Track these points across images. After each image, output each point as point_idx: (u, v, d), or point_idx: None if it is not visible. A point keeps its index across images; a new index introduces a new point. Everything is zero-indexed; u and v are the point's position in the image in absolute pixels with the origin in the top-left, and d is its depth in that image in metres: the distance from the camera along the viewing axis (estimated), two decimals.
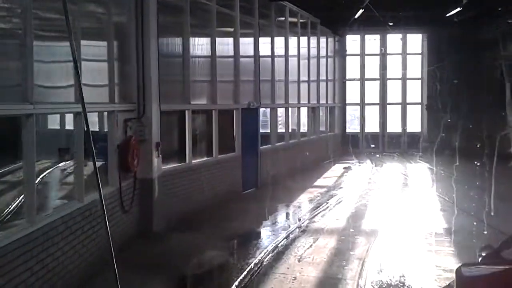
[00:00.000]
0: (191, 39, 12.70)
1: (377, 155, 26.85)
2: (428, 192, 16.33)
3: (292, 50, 20.63)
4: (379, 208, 13.81)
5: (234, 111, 15.53)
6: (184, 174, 12.40)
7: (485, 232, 10.22)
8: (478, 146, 23.71)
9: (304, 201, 14.70)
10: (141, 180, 10.52)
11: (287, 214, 13.40)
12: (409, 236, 10.81)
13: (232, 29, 15.38)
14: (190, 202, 12.46)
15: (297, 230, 11.22)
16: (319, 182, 18.35)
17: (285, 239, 10.36)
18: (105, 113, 9.34)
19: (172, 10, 12.27)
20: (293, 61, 20.71)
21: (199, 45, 13.68)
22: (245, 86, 16.32)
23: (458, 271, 4.55)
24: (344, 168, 21.85)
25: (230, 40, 15.40)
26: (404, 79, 28.28)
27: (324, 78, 24.94)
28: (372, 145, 28.20)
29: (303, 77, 21.79)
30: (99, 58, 9.32)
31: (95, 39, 9.31)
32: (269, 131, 18.61)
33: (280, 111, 19.85)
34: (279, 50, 19.37)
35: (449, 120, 27.03)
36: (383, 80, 28.33)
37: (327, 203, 14.28)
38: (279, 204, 14.14)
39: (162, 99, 11.22)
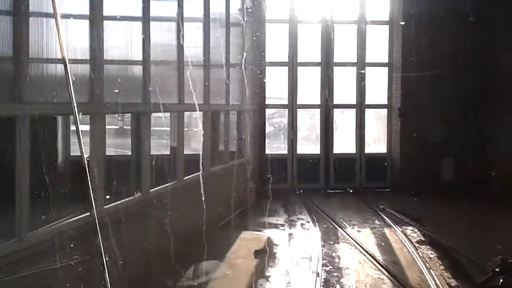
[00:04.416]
0: None
1: (319, 198, 15.27)
2: None
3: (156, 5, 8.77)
4: None
5: None
6: None
7: None
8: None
9: None
10: None
11: None
12: None
13: None
14: None
15: None
16: None
17: None
18: None
19: None
20: (158, 26, 8.84)
21: None
22: None
23: None
24: (256, 253, 9.84)
25: None
26: (361, 65, 16.77)
27: (222, 60, 12.95)
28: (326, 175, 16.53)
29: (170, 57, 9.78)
30: None
31: None
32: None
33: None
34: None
35: (438, 134, 15.90)
36: (327, 66, 16.72)
37: None
38: None
39: None
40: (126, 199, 7.72)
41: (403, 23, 15.62)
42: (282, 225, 12.18)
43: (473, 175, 15.02)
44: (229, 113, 13.10)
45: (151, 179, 8.52)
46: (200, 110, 10.75)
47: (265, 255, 9.75)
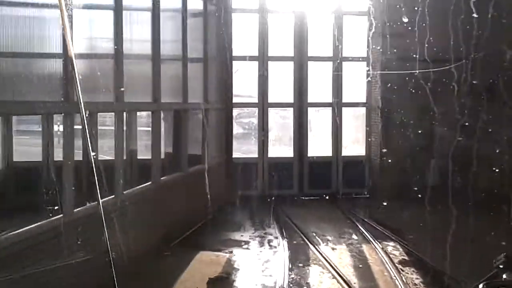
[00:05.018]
0: None
1: (291, 207, 13.82)
2: None
3: None
4: None
5: None
6: None
7: None
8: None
9: None
10: None
11: None
12: None
13: None
14: None
15: None
16: None
17: None
18: None
19: None
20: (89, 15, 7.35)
21: None
22: None
23: None
24: (210, 282, 8.28)
25: None
26: (338, 59, 15.29)
27: (177, 54, 11.38)
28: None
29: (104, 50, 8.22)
30: None
31: None
32: None
33: None
34: None
35: (424, 135, 14.46)
36: (300, 60, 15.23)
37: None
38: None
39: None
40: (36, 224, 6.16)
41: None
42: (247, 243, 10.65)
43: (464, 179, 13.59)
44: (187, 113, 11.54)
45: (74, 194, 6.97)
46: (145, 110, 9.20)
47: (221, 283, 8.23)
